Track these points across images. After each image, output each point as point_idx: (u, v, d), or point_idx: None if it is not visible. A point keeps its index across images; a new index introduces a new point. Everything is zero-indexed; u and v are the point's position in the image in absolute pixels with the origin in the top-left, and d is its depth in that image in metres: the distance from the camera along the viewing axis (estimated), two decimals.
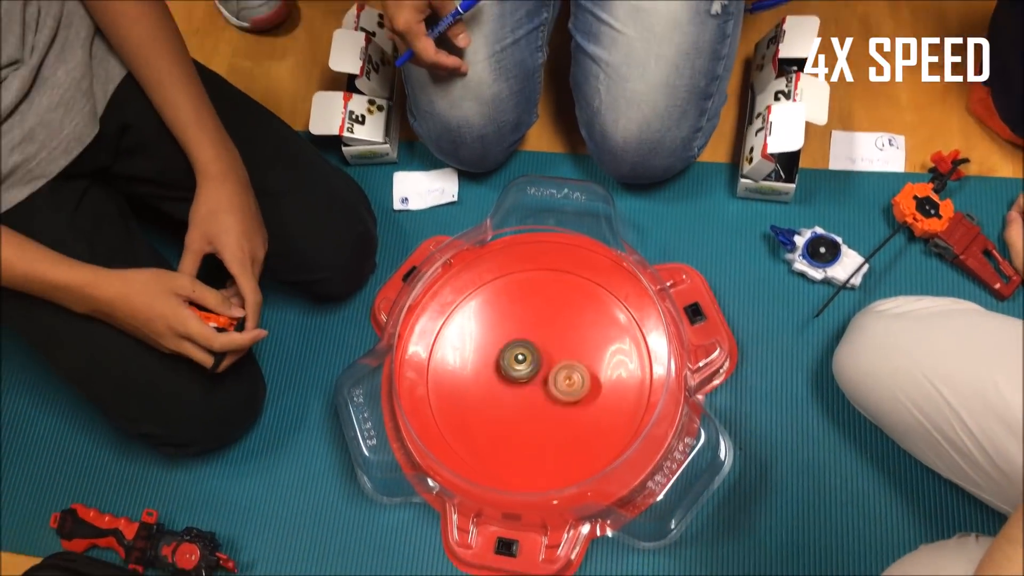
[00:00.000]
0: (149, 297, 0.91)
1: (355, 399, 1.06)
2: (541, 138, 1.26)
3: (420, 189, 1.24)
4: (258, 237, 1.00)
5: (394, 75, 1.27)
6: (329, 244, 1.09)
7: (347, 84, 1.24)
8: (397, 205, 1.24)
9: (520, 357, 1.04)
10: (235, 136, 1.01)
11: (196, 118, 0.97)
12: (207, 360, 0.94)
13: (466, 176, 1.24)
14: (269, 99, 1.32)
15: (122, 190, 1.08)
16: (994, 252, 1.09)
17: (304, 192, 1.07)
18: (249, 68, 1.36)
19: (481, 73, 1.06)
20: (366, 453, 1.04)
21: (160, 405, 1.00)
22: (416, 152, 1.26)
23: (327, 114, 1.21)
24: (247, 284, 0.96)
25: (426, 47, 1.00)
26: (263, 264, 1.01)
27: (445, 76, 1.07)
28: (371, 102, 1.22)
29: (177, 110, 0.97)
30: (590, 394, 1.03)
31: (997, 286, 1.08)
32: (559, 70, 1.20)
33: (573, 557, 1.00)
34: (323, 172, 1.11)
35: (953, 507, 1.00)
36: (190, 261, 0.97)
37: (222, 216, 0.97)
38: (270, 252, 1.01)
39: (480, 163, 1.18)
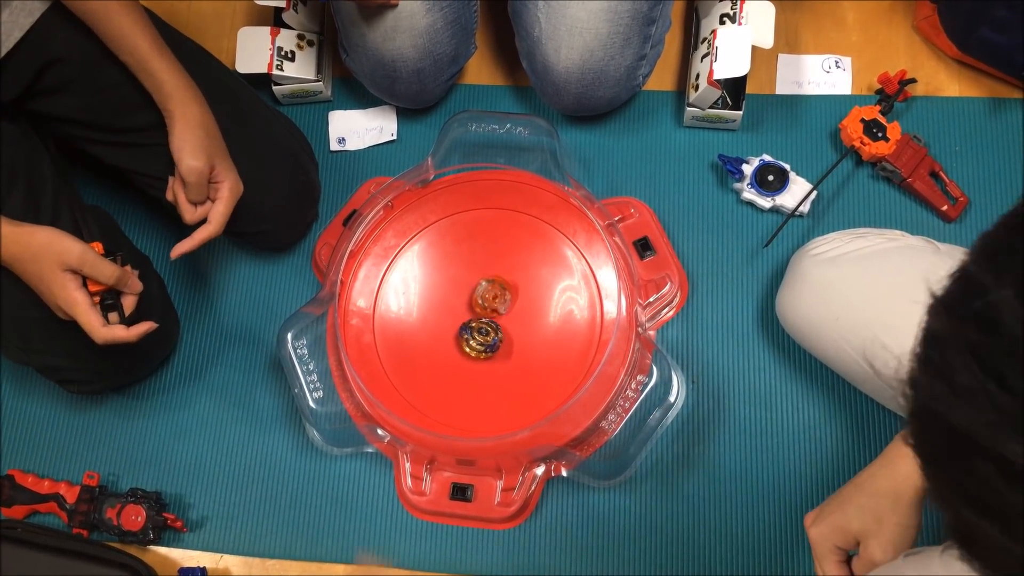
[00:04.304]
0: (39, 267, 0.85)
1: (298, 350, 1.03)
2: (481, 71, 1.21)
3: (357, 128, 1.19)
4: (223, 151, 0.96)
5: (324, 8, 1.21)
6: (269, 196, 1.04)
7: (274, 18, 1.18)
8: (334, 146, 1.19)
9: (485, 331, 1.01)
10: None
11: (154, 44, 0.91)
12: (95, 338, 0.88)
13: (405, 113, 1.19)
14: (191, 35, 1.25)
15: (45, 129, 1.02)
16: (941, 174, 1.08)
17: (243, 140, 1.01)
18: (170, 5, 1.28)
19: (414, 3, 1.01)
20: (312, 406, 1.01)
21: (65, 335, 0.93)
22: (351, 89, 1.21)
23: (254, 51, 1.14)
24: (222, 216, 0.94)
25: None
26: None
27: (375, 10, 1.01)
28: (300, 37, 1.16)
29: (132, 39, 0.91)
30: (541, 332, 1.02)
31: (944, 208, 1.07)
32: None
33: (529, 499, 0.99)
34: (264, 118, 1.06)
35: None
36: (199, 191, 0.93)
37: (215, 136, 0.93)
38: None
39: (418, 99, 1.13)
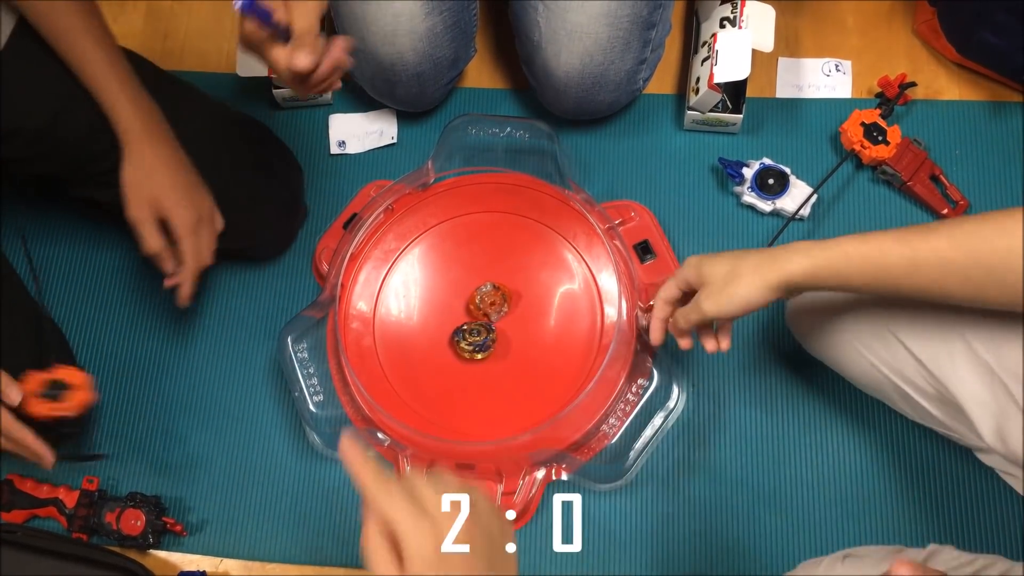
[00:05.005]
0: None
1: (299, 354, 1.03)
2: (481, 74, 1.21)
3: (357, 132, 1.19)
4: (202, 192, 0.93)
5: (325, 11, 1.21)
6: (249, 216, 1.04)
7: None
8: (334, 149, 1.19)
9: (476, 331, 1.02)
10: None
11: (111, 71, 0.88)
12: None
13: (405, 116, 1.19)
14: (191, 39, 1.25)
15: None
16: (941, 177, 1.08)
17: (218, 161, 1.00)
18: (169, 7, 1.28)
19: (413, 7, 1.01)
20: (313, 409, 1.01)
21: None
22: (352, 92, 1.21)
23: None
24: (189, 251, 0.91)
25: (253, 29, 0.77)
26: (215, 222, 0.95)
27: (371, 10, 1.01)
28: None
29: (87, 63, 0.87)
30: (541, 336, 1.02)
31: (945, 212, 1.07)
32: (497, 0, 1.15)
33: (529, 502, 0.99)
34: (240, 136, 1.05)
35: (907, 437, 1.02)
36: (149, 235, 0.90)
37: (159, 175, 0.89)
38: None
39: (418, 102, 1.13)
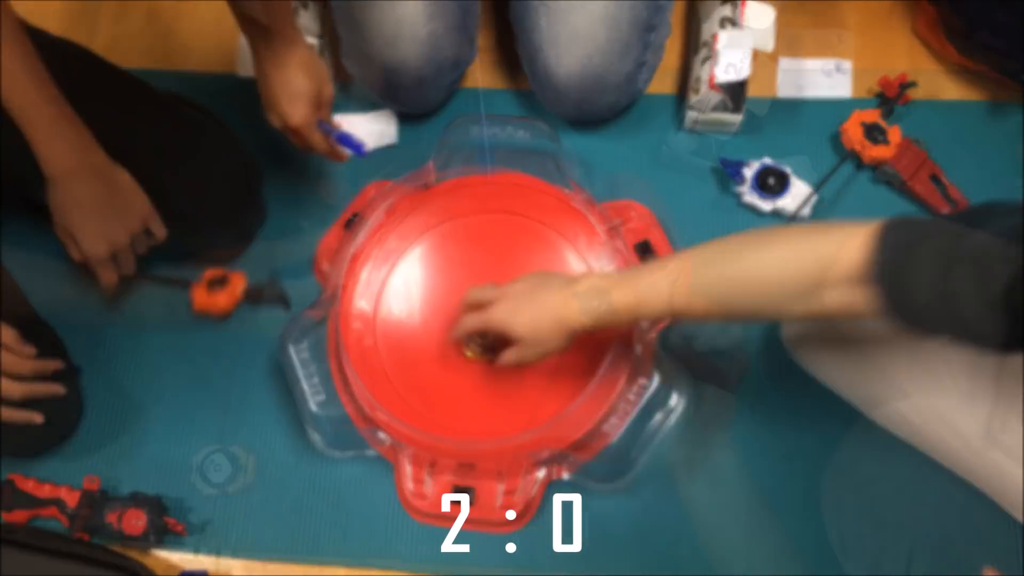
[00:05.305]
0: None
1: (300, 354, 1.03)
2: (483, 74, 1.22)
3: (358, 132, 1.18)
4: (119, 226, 0.94)
5: (325, 12, 1.21)
6: (194, 222, 1.04)
7: None
8: None
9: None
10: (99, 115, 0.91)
11: (35, 110, 0.85)
12: None
13: (406, 117, 1.19)
14: (193, 37, 1.26)
15: None
16: (942, 177, 1.09)
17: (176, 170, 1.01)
18: (170, 7, 1.29)
19: (415, 11, 1.01)
20: (314, 409, 1.01)
21: None
22: (353, 93, 1.21)
23: None
24: (101, 277, 0.96)
25: (322, 141, 1.01)
26: (138, 243, 0.97)
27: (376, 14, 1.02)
28: None
29: (11, 103, 0.84)
30: None
31: (945, 211, 1.08)
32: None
33: (530, 502, 0.99)
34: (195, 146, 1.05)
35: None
36: (72, 251, 0.95)
37: (73, 214, 0.91)
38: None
39: (419, 104, 1.13)
